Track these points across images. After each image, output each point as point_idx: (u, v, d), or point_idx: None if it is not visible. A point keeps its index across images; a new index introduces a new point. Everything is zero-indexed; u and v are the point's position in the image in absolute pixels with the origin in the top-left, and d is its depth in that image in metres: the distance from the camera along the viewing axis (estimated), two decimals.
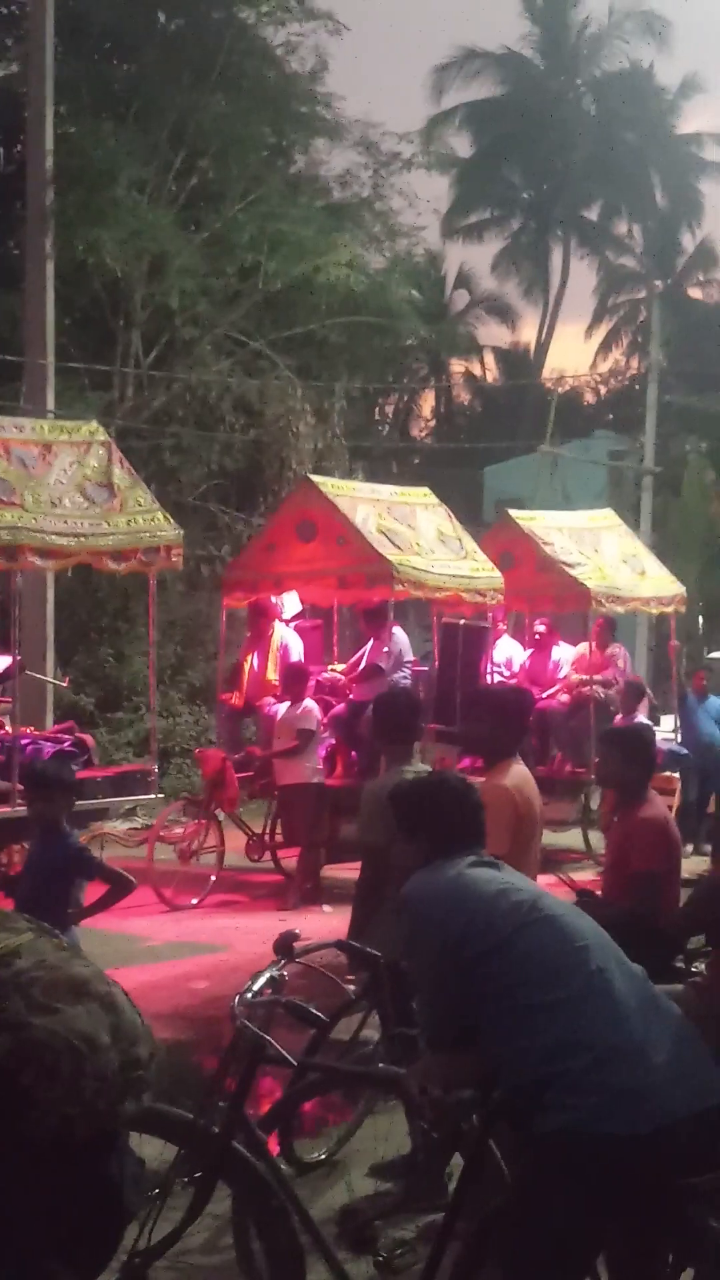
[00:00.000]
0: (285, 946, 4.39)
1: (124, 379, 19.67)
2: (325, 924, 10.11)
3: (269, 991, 4.16)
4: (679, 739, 14.93)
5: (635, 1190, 3.27)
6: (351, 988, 5.53)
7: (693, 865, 12.70)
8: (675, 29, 53.03)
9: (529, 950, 3.48)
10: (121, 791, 11.39)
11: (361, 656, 13.09)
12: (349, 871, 10.62)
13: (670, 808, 13.20)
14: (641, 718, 14.54)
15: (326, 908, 11.27)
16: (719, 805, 14.61)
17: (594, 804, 14.14)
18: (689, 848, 14.10)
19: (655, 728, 13.29)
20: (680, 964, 5.37)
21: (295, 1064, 4.17)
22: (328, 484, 13.39)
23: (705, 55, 66.76)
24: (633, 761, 6.00)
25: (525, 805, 5.56)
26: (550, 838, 12.64)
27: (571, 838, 13.94)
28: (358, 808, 6.56)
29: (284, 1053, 4.02)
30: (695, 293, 42.11)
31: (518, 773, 5.64)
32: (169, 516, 11.40)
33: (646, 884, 5.68)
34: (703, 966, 5.23)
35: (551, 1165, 3.28)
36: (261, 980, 4.17)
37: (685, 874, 6.13)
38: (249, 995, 4.09)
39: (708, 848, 13.84)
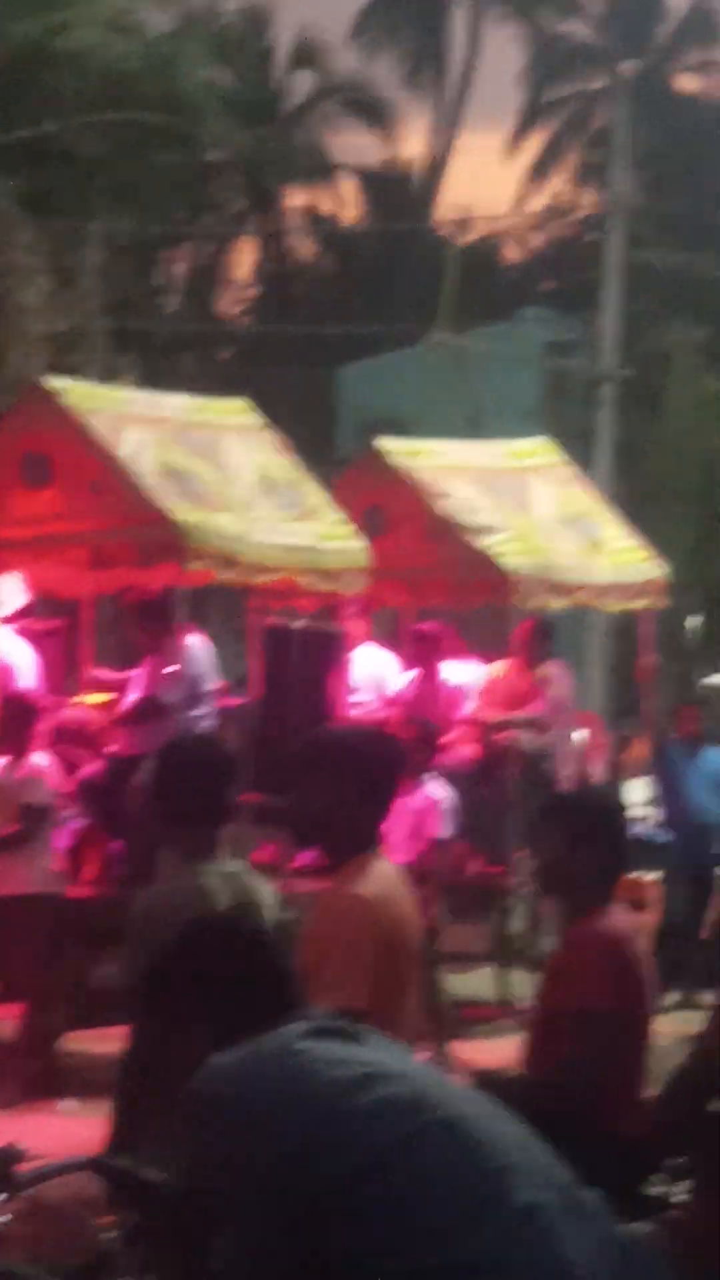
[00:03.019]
0: (2, 1173, 4.42)
1: None
2: (68, 1131, 10.07)
3: None
4: (659, 816, 15.22)
5: None
6: (112, 1234, 5.55)
7: (676, 1025, 13.00)
8: None
9: (409, 1179, 3.52)
10: None
11: (132, 681, 13.12)
12: (108, 1042, 10.60)
13: (642, 929, 13.55)
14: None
15: (67, 1104, 11.26)
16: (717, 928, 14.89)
17: (515, 922, 14.31)
18: (670, 996, 14.47)
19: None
20: (658, 1187, 5.53)
21: None
22: (74, 391, 13.37)
23: None
24: (589, 848, 6.15)
25: (396, 931, 5.64)
26: (452, 981, 12.83)
27: (479, 981, 14.10)
28: (121, 935, 6.59)
29: None
30: (686, 83, 42.99)
31: (383, 875, 5.71)
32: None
33: (579, 1036, 5.82)
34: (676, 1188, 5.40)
35: None
36: None
37: (661, 1038, 6.30)
38: None
39: (706, 997, 14.17)
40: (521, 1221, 3.52)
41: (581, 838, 6.17)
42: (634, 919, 6.57)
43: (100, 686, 13.77)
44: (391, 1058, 3.78)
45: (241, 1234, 3.66)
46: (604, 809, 6.42)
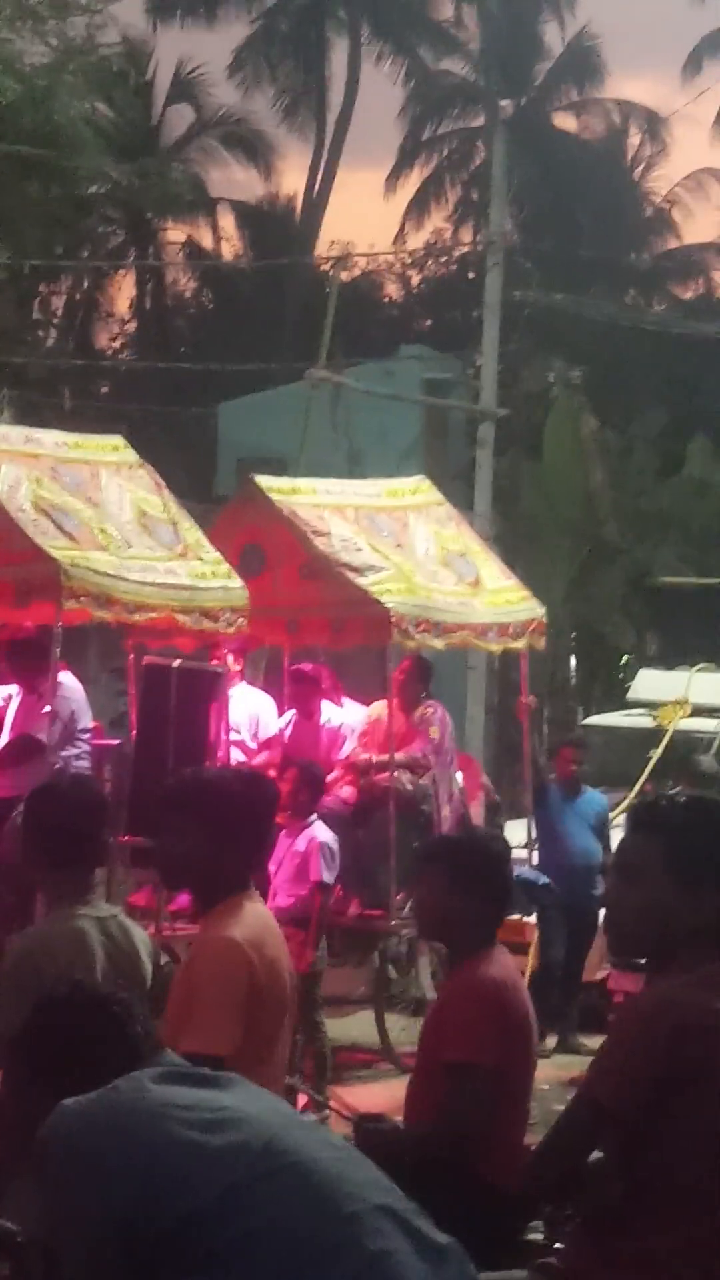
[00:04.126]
0: None
1: None
2: None
3: None
4: (534, 859, 15.24)
5: None
6: None
7: (555, 1071, 13.02)
8: None
9: (259, 1225, 3.52)
10: None
11: (2, 721, 13.01)
12: None
13: (523, 974, 13.55)
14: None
15: None
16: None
17: (393, 966, 14.29)
18: (550, 1040, 14.49)
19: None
20: (537, 1234, 5.51)
21: None
22: None
23: None
24: (469, 893, 6.14)
25: (268, 974, 5.62)
26: (331, 1025, 12.78)
27: (360, 1024, 14.07)
28: None
29: None
30: (564, 121, 43.38)
31: (253, 917, 5.70)
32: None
33: (460, 1088, 5.80)
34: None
35: None
36: None
37: (542, 1083, 6.30)
38: None
39: (583, 1041, 14.18)
40: (370, 1267, 3.53)
41: (461, 882, 6.17)
42: (513, 961, 6.54)
43: None
44: (247, 1102, 3.78)
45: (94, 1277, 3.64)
46: (485, 853, 6.41)
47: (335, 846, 12.75)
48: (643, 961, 4.78)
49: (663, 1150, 4.36)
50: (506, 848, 6.95)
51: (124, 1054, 3.89)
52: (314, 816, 12.81)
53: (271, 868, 12.45)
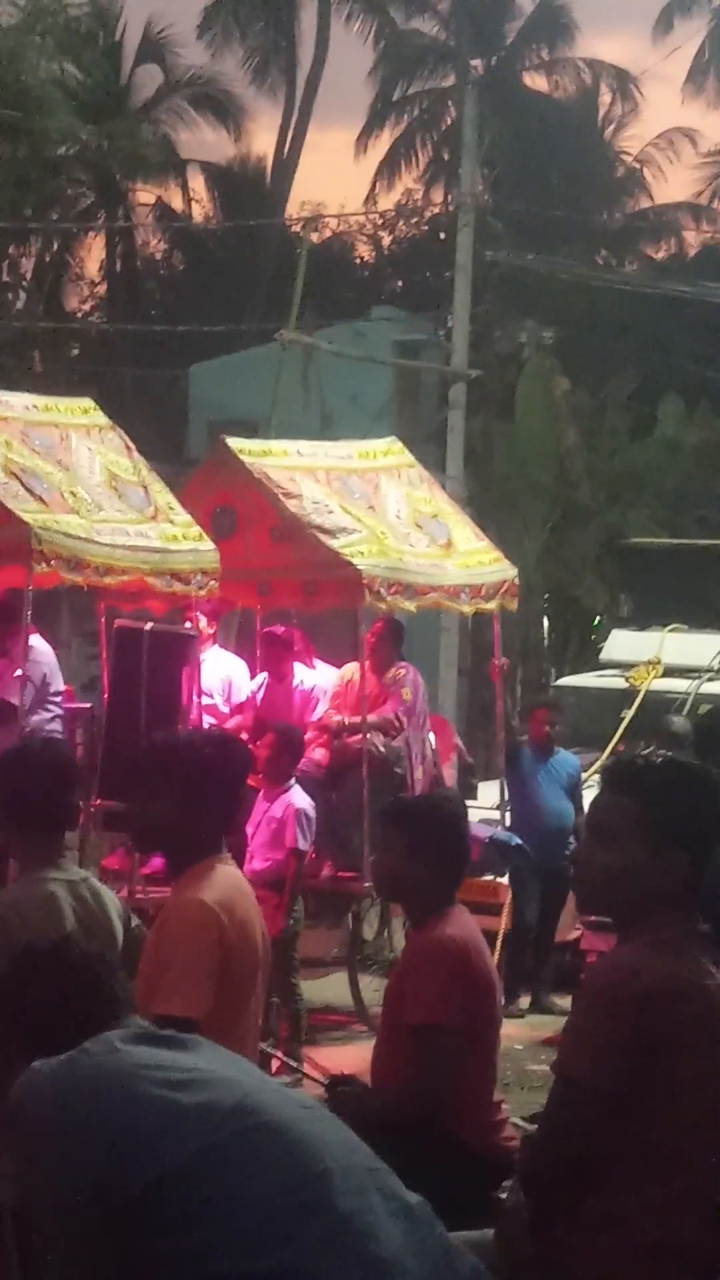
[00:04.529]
0: None
1: None
2: None
3: None
4: (507, 821, 15.26)
5: None
6: None
7: (529, 1031, 13.06)
8: None
9: (231, 1184, 3.54)
10: None
11: None
12: None
13: (496, 934, 13.59)
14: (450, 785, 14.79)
15: None
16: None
17: (369, 929, 14.32)
18: (524, 1000, 14.54)
19: (470, 802, 13.58)
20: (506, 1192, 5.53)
21: None
22: None
23: None
24: (426, 853, 6.16)
25: (240, 936, 5.64)
26: (305, 987, 12.80)
27: (334, 986, 14.11)
28: None
29: None
30: (535, 80, 43.34)
31: (225, 879, 5.71)
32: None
33: (425, 1051, 5.83)
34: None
35: None
36: None
37: (515, 1043, 6.33)
38: None
39: (556, 1001, 14.22)
40: (341, 1225, 3.55)
41: (418, 844, 6.21)
42: (479, 921, 6.57)
43: None
44: (217, 1064, 3.81)
45: (65, 1242, 3.66)
46: (440, 815, 6.44)
47: (312, 813, 12.77)
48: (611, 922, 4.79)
49: (636, 1115, 4.38)
50: (463, 808, 6.98)
51: (104, 1015, 3.91)
52: (292, 781, 12.82)
53: (249, 830, 12.48)
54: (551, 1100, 4.53)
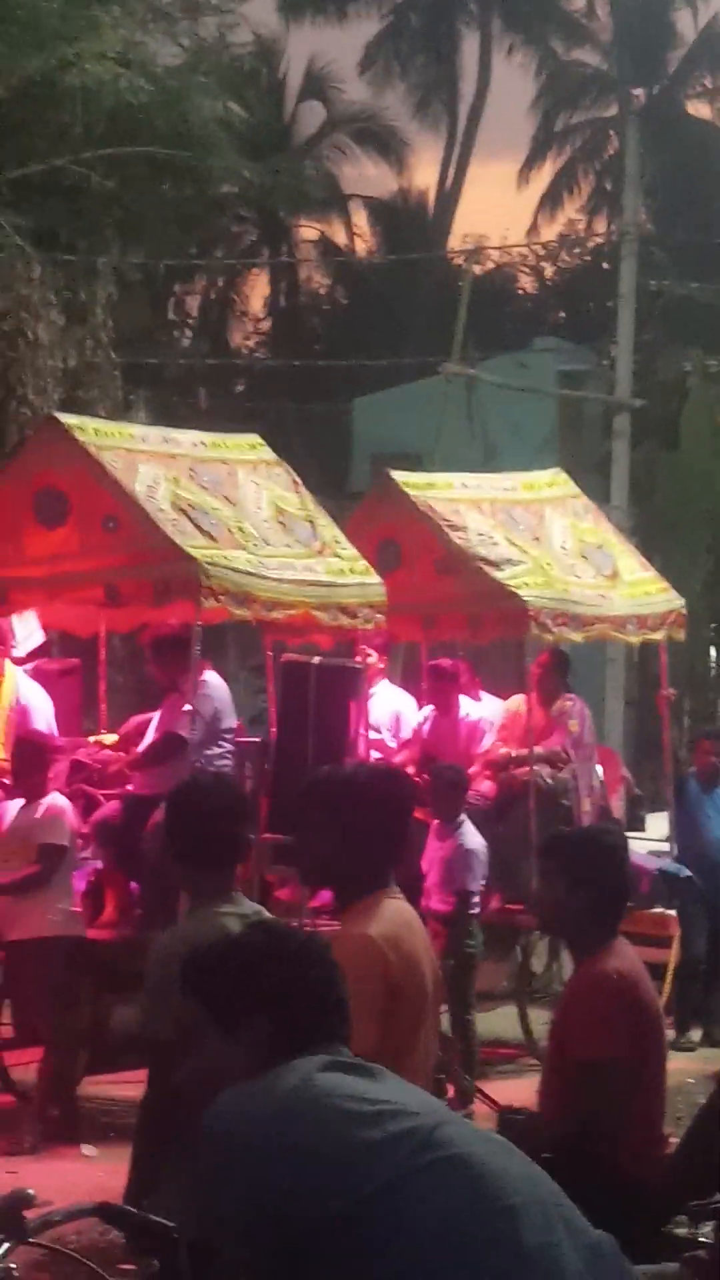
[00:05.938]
0: (12, 1217, 4.39)
1: None
2: (85, 1176, 10.06)
3: None
4: (675, 852, 15.18)
5: None
6: None
7: (700, 1065, 12.95)
8: None
9: (417, 1218, 3.53)
10: None
11: (149, 720, 13.11)
12: (127, 1086, 10.58)
13: (666, 967, 13.50)
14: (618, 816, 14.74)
15: (88, 1149, 11.25)
16: None
17: (538, 961, 14.29)
18: (695, 1034, 14.45)
19: (636, 834, 13.53)
20: (681, 1229, 5.52)
21: None
22: (87, 427, 13.40)
23: None
24: (586, 888, 6.16)
25: (406, 970, 5.62)
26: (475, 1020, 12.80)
27: (503, 1019, 14.09)
28: (140, 978, 6.58)
29: None
30: (698, 108, 43.07)
31: (392, 913, 5.69)
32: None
33: (591, 1086, 5.82)
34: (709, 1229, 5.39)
35: None
36: None
37: (687, 1077, 6.31)
38: None
39: None
40: (529, 1261, 3.54)
41: (578, 878, 6.18)
42: (643, 954, 6.55)
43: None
44: (404, 1095, 3.79)
45: (245, 1273, 3.68)
46: (601, 848, 6.42)
47: (484, 854, 12.83)
48: None
49: None
50: (624, 840, 6.95)
51: (320, 1009, 3.90)
52: (463, 818, 12.87)
53: (424, 867, 12.60)
54: (702, 1111, 4.51)
